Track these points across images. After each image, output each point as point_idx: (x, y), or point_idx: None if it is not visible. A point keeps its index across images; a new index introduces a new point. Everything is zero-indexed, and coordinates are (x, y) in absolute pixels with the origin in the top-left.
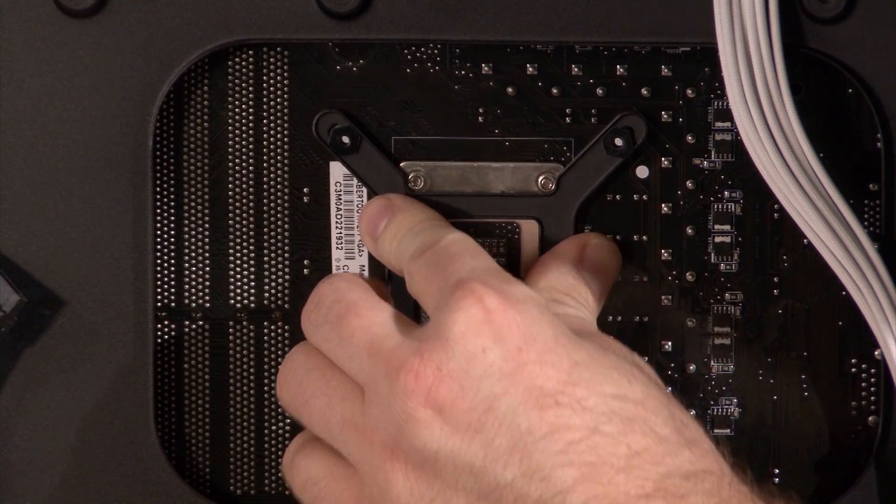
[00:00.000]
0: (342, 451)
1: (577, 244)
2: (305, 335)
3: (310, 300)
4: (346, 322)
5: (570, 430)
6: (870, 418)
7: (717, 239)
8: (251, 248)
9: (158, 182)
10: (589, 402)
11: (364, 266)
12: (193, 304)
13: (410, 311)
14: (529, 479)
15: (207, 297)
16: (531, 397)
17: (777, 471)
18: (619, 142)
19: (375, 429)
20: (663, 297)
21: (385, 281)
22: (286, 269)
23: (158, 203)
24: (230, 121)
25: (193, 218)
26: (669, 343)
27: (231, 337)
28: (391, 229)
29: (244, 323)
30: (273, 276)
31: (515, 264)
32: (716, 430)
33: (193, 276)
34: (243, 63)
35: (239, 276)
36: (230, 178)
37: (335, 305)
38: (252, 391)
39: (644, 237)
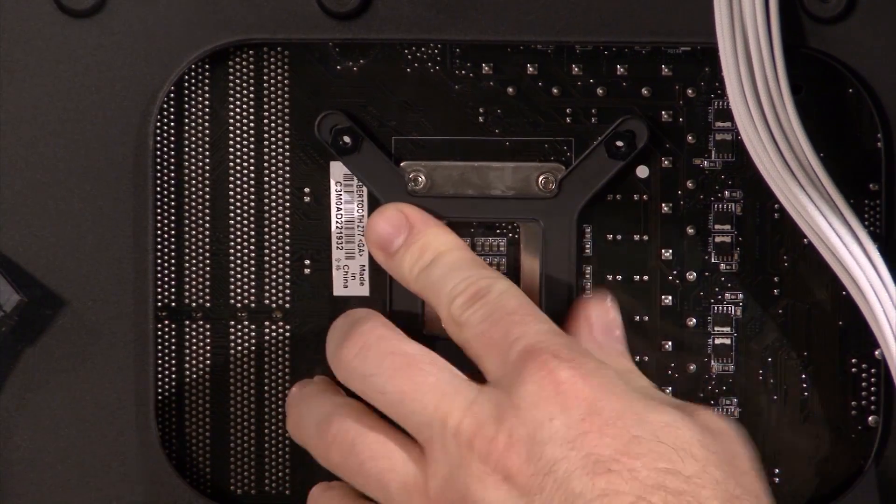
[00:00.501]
0: None
1: (583, 322)
2: (343, 379)
3: (348, 343)
4: (409, 377)
5: (619, 496)
6: (870, 418)
7: (718, 239)
8: (252, 247)
9: (159, 182)
10: (640, 474)
11: (364, 266)
12: (194, 304)
13: (415, 333)
14: None
15: (208, 297)
16: (588, 463)
17: (777, 471)
18: (620, 144)
19: (442, 491)
20: (663, 296)
21: (386, 311)
22: (287, 269)
23: (159, 203)
24: (231, 120)
25: (194, 218)
26: (669, 343)
27: (231, 337)
28: (414, 251)
29: (245, 323)
30: (273, 276)
31: (515, 265)
32: None
33: (194, 275)
34: (244, 63)
35: (239, 275)
36: (231, 178)
37: (390, 357)
38: (252, 391)
39: (644, 237)
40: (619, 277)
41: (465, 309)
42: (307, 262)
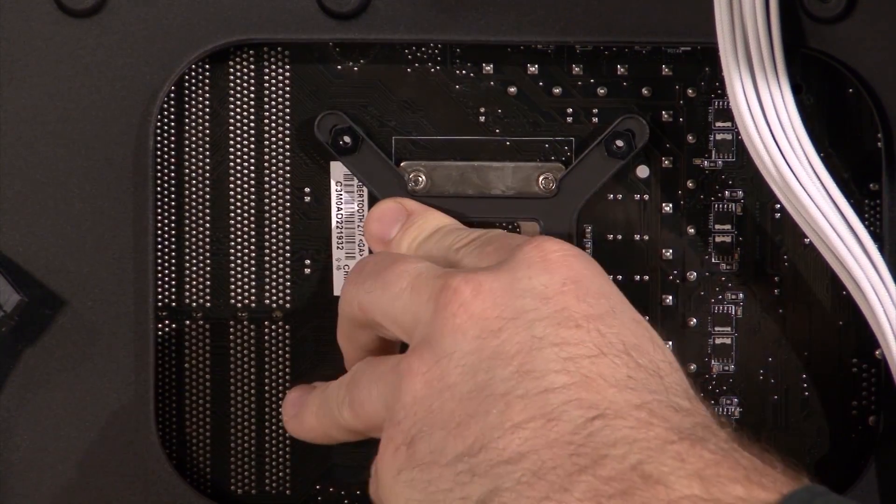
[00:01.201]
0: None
1: None
2: (346, 304)
3: (351, 273)
4: (391, 269)
5: (579, 346)
6: (870, 418)
7: (718, 239)
8: (252, 247)
9: (159, 182)
10: (608, 337)
11: None
12: (194, 304)
13: None
14: (522, 377)
15: (208, 297)
16: (557, 317)
17: None
18: (619, 144)
19: (418, 348)
20: (664, 296)
21: None
22: (287, 269)
23: (159, 203)
24: (231, 120)
25: (194, 217)
26: (670, 343)
27: (232, 336)
28: (412, 231)
29: (245, 322)
30: (274, 276)
31: None
32: None
33: (194, 275)
34: (244, 63)
35: (239, 275)
36: (231, 178)
37: (378, 262)
38: (253, 391)
39: (645, 237)
40: (619, 277)
41: (463, 248)
42: (307, 262)
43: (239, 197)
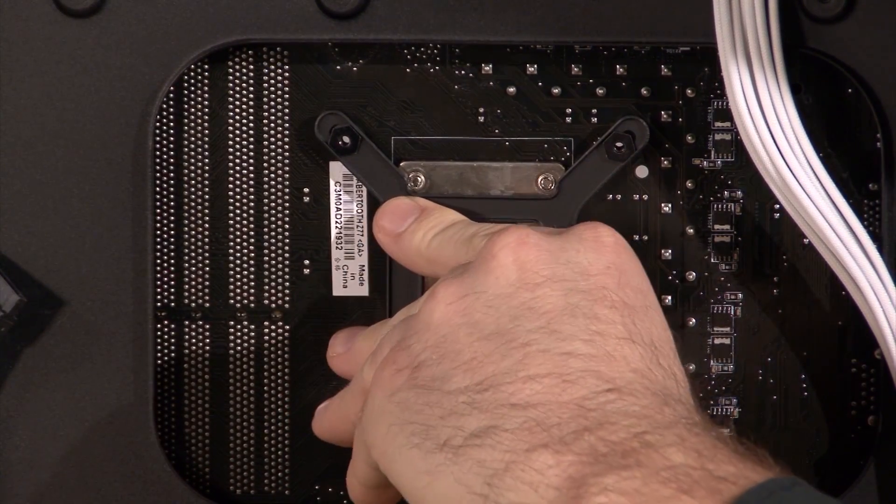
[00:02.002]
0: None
1: None
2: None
3: (386, 354)
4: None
5: (610, 325)
6: (870, 418)
7: (717, 239)
8: (251, 247)
9: (158, 182)
10: (638, 326)
11: (363, 266)
12: (193, 304)
13: None
14: (548, 334)
15: (207, 297)
16: (595, 294)
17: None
18: (619, 146)
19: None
20: (663, 296)
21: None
22: (286, 269)
23: (158, 203)
24: (230, 121)
25: (193, 218)
26: None
27: (231, 337)
28: (428, 221)
29: (244, 323)
30: (273, 276)
31: None
32: None
33: (193, 275)
34: (243, 63)
35: (239, 275)
36: (230, 178)
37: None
38: (252, 391)
39: (644, 237)
40: None
41: (490, 231)
42: (306, 262)
43: (238, 197)
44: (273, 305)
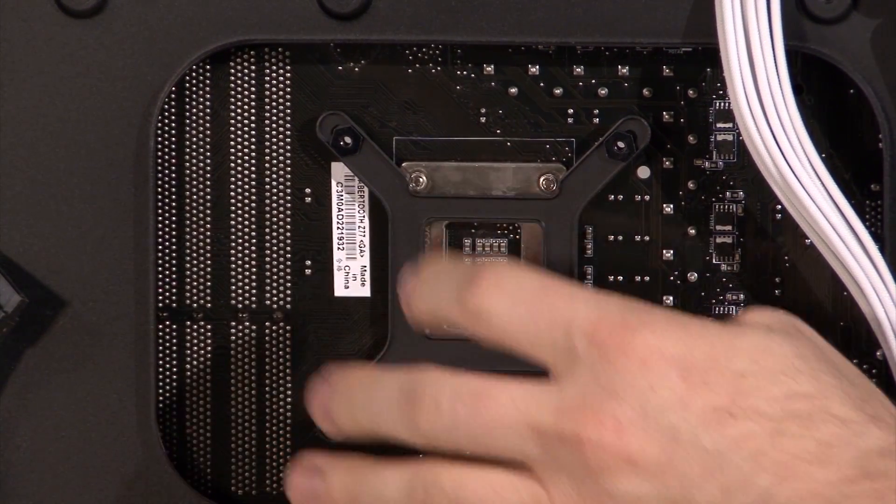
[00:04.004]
0: None
1: None
2: (428, 446)
3: (422, 404)
4: (485, 411)
5: (753, 439)
6: None
7: (719, 239)
8: (253, 248)
9: (160, 182)
10: (763, 409)
11: (365, 267)
12: (195, 305)
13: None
14: (730, 495)
15: (209, 298)
16: (707, 417)
17: None
18: (621, 145)
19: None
20: (665, 297)
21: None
22: (288, 270)
23: (160, 203)
24: (232, 121)
25: (195, 218)
26: None
27: (232, 337)
28: (426, 283)
29: (245, 323)
30: (274, 277)
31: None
32: None
33: (195, 276)
34: (245, 63)
35: (240, 276)
36: (232, 179)
37: (457, 403)
38: (253, 391)
39: (646, 237)
40: (620, 278)
41: (477, 295)
42: (308, 262)
43: (240, 197)
44: (274, 306)
